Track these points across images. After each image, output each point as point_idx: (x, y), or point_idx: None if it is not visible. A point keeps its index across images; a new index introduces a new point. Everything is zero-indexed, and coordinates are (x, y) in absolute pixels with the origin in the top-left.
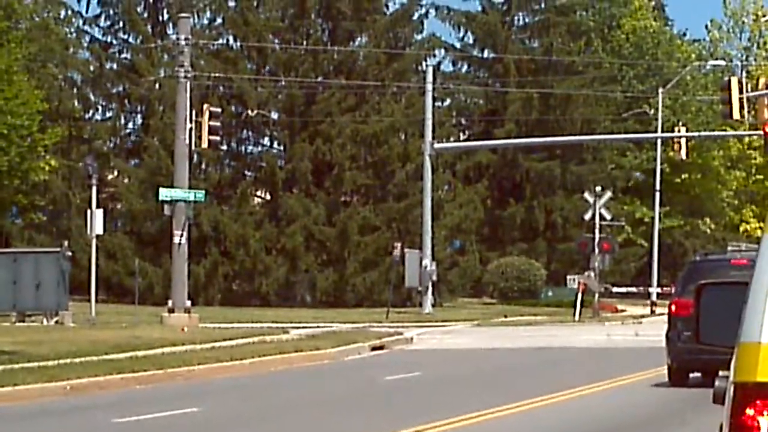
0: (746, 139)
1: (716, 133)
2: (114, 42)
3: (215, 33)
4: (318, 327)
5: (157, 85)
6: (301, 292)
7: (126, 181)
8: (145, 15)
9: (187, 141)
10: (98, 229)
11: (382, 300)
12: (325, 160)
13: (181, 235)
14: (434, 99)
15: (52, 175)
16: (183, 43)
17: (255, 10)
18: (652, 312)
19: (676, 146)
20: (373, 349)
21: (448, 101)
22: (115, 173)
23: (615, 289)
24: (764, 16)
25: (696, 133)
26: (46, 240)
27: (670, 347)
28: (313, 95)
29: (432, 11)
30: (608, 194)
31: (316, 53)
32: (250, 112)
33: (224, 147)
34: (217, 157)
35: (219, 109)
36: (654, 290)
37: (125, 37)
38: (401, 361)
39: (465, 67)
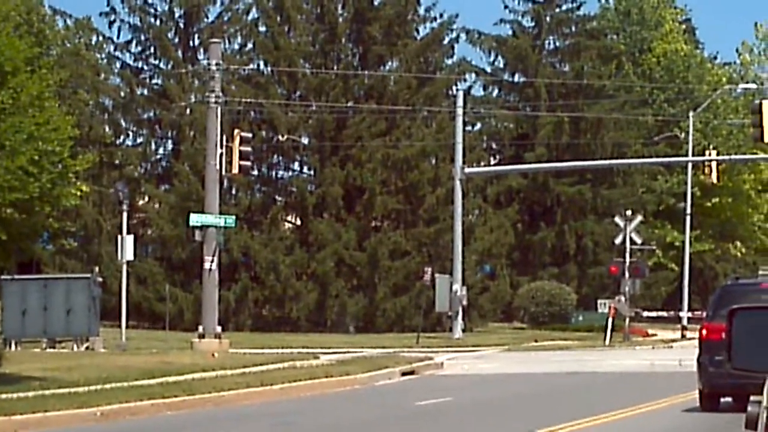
0: None
1: (747, 156)
2: (145, 68)
3: (246, 58)
4: (348, 352)
5: (187, 111)
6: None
7: (157, 206)
8: (176, 41)
9: (218, 166)
10: (129, 254)
11: (412, 325)
12: (356, 184)
13: (212, 261)
14: (465, 123)
15: (83, 201)
16: (214, 68)
17: (286, 35)
18: (683, 336)
19: (706, 170)
20: (404, 374)
21: (478, 125)
22: (146, 199)
23: (646, 314)
24: None
25: (727, 157)
26: (77, 266)
27: (701, 372)
28: (343, 120)
29: (463, 35)
30: (639, 218)
31: (346, 78)
32: (280, 137)
33: (255, 172)
34: (248, 183)
35: (250, 134)
36: (685, 314)
37: (156, 62)
38: (432, 386)
39: (496, 92)
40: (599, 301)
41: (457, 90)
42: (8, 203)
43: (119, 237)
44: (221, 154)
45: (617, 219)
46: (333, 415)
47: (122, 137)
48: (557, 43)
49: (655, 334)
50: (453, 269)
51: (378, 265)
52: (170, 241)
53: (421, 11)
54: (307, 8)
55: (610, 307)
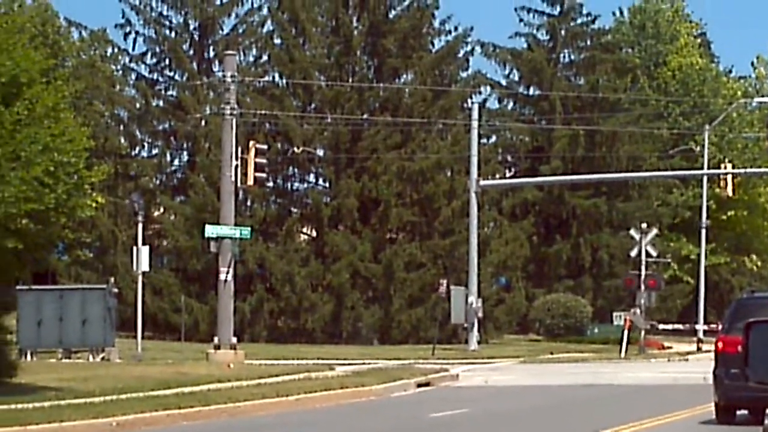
0: None
1: (763, 169)
2: (160, 79)
3: (261, 70)
4: (363, 364)
5: (203, 122)
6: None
7: (172, 218)
8: (191, 52)
9: (233, 178)
10: (144, 265)
11: (427, 337)
12: (371, 196)
13: (227, 272)
14: (480, 136)
15: (99, 212)
16: (229, 80)
17: (301, 48)
18: (699, 349)
19: (722, 183)
20: (419, 385)
21: (493, 138)
22: (161, 210)
23: (661, 326)
24: None
25: (742, 170)
26: (93, 277)
27: (717, 384)
28: (359, 132)
29: (478, 49)
30: (654, 231)
31: (361, 90)
32: (295, 149)
33: (270, 184)
34: (263, 194)
35: (265, 146)
36: (700, 327)
37: (171, 74)
38: (447, 397)
39: (511, 104)
40: (614, 314)
41: (472, 103)
42: (24, 214)
43: (135, 248)
44: (236, 166)
45: (632, 232)
46: (348, 426)
47: (137, 148)
48: (572, 57)
49: (670, 347)
50: (468, 281)
51: (393, 276)
52: (185, 252)
53: (437, 24)
54: (322, 21)
55: (625, 320)
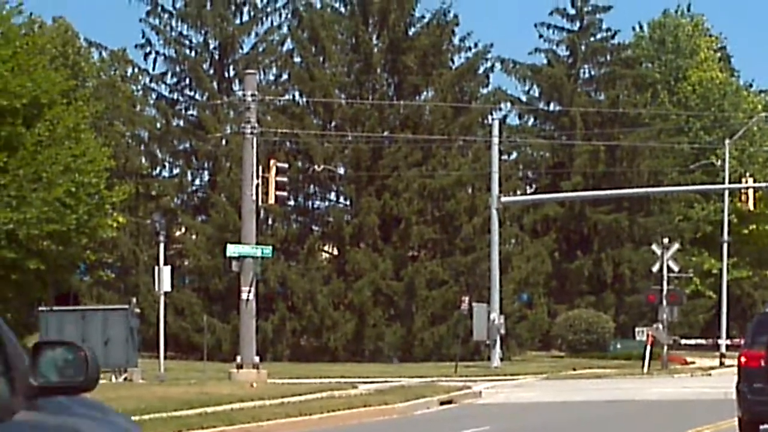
0: None
1: None
2: (180, 99)
3: (281, 89)
4: (386, 382)
5: (223, 142)
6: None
7: (193, 237)
8: (211, 72)
9: (254, 197)
10: (166, 285)
11: (450, 354)
12: (392, 214)
13: (249, 291)
14: (500, 152)
15: (120, 232)
16: (249, 99)
17: (321, 66)
18: (722, 364)
19: (743, 197)
20: (442, 403)
21: (514, 154)
22: (183, 230)
23: (684, 341)
24: None
25: (763, 184)
26: (114, 297)
27: (741, 399)
28: (379, 150)
29: (498, 65)
30: (676, 246)
31: (382, 108)
32: (316, 167)
33: (291, 202)
34: (284, 213)
35: (286, 165)
36: (723, 342)
37: (191, 93)
38: (470, 415)
39: (531, 121)
40: (637, 329)
41: (493, 119)
42: (45, 235)
43: (156, 268)
44: (257, 185)
45: (654, 247)
46: None
47: (158, 168)
48: (592, 72)
49: (693, 362)
50: (490, 298)
51: (415, 294)
52: (207, 271)
53: (456, 41)
54: (342, 39)
55: (648, 335)
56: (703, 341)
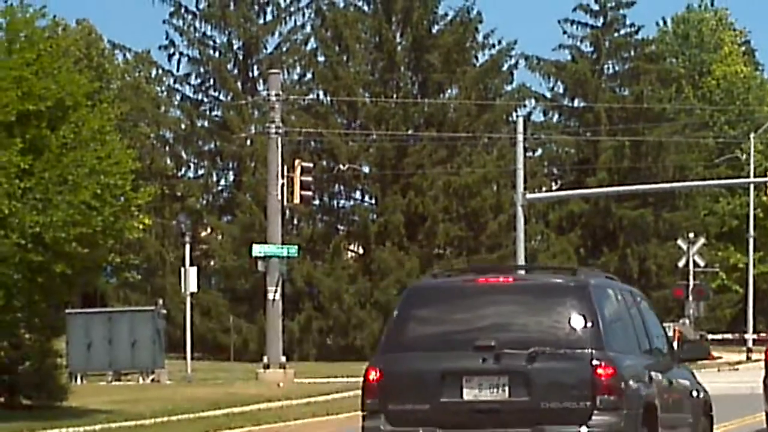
0: None
1: None
2: (205, 100)
3: (305, 88)
4: None
5: (248, 142)
6: None
7: (219, 238)
8: (235, 72)
9: (280, 197)
10: (192, 286)
11: None
12: (418, 212)
13: (275, 291)
14: (525, 149)
15: (146, 234)
16: (273, 99)
17: (345, 65)
18: (748, 358)
19: None
20: None
21: (539, 151)
22: (208, 230)
23: (710, 336)
24: None
25: None
26: (141, 298)
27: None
28: (404, 148)
29: (522, 62)
30: (701, 241)
31: (406, 106)
32: (341, 166)
33: (316, 202)
34: (310, 212)
35: (310, 164)
36: (750, 336)
37: (216, 94)
38: None
39: (556, 117)
40: (663, 324)
41: (517, 116)
42: (72, 238)
43: (182, 269)
44: (282, 185)
45: (680, 242)
46: None
47: (183, 169)
48: (616, 68)
49: (720, 357)
50: None
51: None
52: (233, 272)
53: (480, 38)
54: (365, 37)
55: (674, 330)
56: (729, 336)
